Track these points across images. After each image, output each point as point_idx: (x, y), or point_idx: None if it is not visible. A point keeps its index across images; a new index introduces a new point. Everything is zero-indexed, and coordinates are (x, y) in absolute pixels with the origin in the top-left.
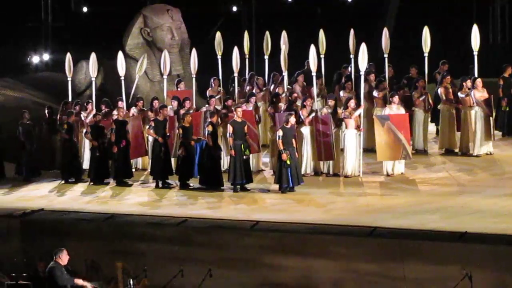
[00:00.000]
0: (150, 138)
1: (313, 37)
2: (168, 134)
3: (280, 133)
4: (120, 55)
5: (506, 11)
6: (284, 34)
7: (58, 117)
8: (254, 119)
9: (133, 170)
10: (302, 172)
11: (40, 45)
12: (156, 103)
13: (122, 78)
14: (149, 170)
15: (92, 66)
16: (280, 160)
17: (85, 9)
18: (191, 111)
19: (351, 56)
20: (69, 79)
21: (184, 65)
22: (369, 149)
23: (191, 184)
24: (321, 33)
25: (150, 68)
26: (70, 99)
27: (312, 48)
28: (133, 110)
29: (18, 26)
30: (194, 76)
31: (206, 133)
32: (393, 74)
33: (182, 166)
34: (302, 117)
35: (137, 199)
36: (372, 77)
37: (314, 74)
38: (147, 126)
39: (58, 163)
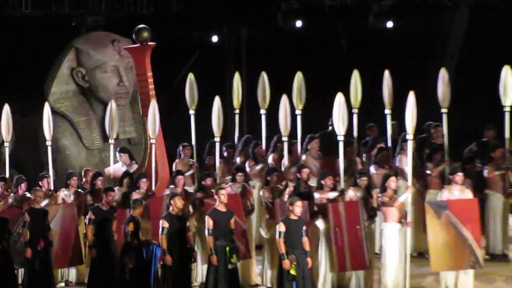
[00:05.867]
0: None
1: (336, 80)
2: (114, 231)
3: (281, 228)
4: (47, 108)
5: None
6: (298, 76)
7: None
8: (241, 208)
9: (63, 285)
10: (319, 287)
11: None
12: (99, 183)
13: (49, 142)
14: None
15: (6, 125)
16: (281, 269)
17: None
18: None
19: (387, 111)
20: None
21: (138, 124)
22: (419, 253)
23: None
24: (355, 75)
25: (87, 129)
26: None
27: (339, 98)
28: (64, 193)
29: None
30: (153, 141)
31: (160, 232)
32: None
33: (131, 281)
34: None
35: None
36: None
37: (341, 137)
38: (85, 219)
39: None
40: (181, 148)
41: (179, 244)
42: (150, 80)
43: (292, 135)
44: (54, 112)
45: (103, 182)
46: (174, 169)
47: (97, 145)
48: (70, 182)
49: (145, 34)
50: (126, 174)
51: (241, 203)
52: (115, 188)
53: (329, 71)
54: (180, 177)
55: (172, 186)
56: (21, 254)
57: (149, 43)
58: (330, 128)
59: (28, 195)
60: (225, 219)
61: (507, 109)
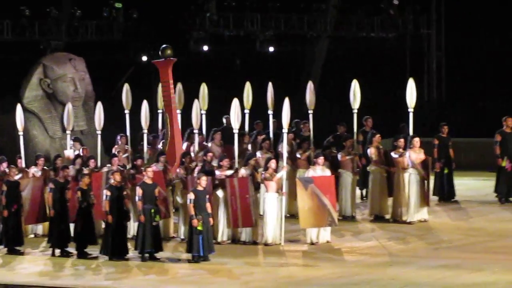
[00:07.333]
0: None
1: (233, 89)
2: (68, 197)
3: (191, 196)
4: (19, 108)
5: (442, 65)
6: (203, 87)
7: None
8: (164, 181)
9: (32, 236)
10: (218, 239)
11: None
12: (59, 162)
13: (21, 133)
14: None
15: None
16: (191, 226)
17: None
18: (86, 172)
19: (270, 112)
20: None
21: (88, 120)
22: (291, 215)
23: (90, 252)
24: (247, 86)
25: (51, 123)
26: None
27: (235, 102)
28: (33, 170)
29: None
30: (99, 132)
31: (104, 198)
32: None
33: (80, 233)
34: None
35: (33, 268)
36: (291, 135)
37: (236, 131)
38: (47, 189)
39: None
40: (118, 137)
41: (117, 207)
42: (171, 86)
43: (201, 128)
44: (26, 110)
45: (62, 162)
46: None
47: (58, 135)
48: (38, 161)
49: (169, 51)
50: (77, 156)
51: (163, 178)
52: (70, 166)
53: (227, 83)
54: (115, 158)
55: (109, 165)
56: (0, 214)
57: (171, 58)
58: (225, 123)
59: (7, 171)
60: (151, 189)
61: (355, 111)
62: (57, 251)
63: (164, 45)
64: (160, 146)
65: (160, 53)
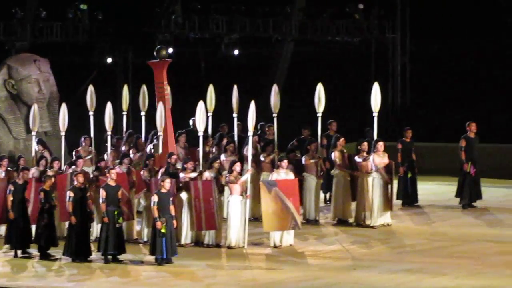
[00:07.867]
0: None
1: (198, 92)
2: (27, 198)
3: (155, 198)
4: None
5: (407, 69)
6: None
7: None
8: (127, 183)
9: None
10: (182, 242)
11: None
12: (22, 163)
13: None
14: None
15: None
16: (154, 228)
17: None
18: (50, 173)
19: (234, 115)
20: None
21: (52, 121)
22: (255, 218)
23: (52, 254)
24: (210, 88)
25: (15, 124)
26: None
27: (201, 105)
28: None
29: None
30: (63, 133)
31: (67, 200)
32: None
33: (42, 234)
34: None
35: None
36: (256, 138)
37: (201, 133)
38: (7, 190)
39: None
40: (82, 139)
41: (81, 209)
42: (166, 87)
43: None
44: None
45: (25, 163)
46: (74, 156)
47: (22, 136)
48: (2, 162)
49: (164, 52)
50: (41, 157)
51: (126, 180)
52: (34, 168)
53: (191, 85)
54: (80, 160)
55: (74, 167)
56: None
57: (166, 59)
58: (191, 126)
59: None
60: (114, 191)
61: (319, 114)
62: (19, 252)
63: (159, 46)
64: (123, 148)
65: (155, 53)
